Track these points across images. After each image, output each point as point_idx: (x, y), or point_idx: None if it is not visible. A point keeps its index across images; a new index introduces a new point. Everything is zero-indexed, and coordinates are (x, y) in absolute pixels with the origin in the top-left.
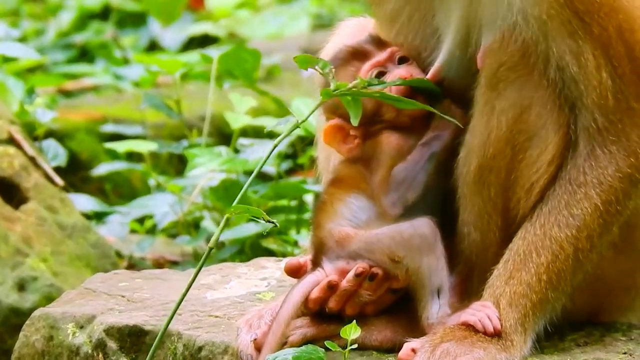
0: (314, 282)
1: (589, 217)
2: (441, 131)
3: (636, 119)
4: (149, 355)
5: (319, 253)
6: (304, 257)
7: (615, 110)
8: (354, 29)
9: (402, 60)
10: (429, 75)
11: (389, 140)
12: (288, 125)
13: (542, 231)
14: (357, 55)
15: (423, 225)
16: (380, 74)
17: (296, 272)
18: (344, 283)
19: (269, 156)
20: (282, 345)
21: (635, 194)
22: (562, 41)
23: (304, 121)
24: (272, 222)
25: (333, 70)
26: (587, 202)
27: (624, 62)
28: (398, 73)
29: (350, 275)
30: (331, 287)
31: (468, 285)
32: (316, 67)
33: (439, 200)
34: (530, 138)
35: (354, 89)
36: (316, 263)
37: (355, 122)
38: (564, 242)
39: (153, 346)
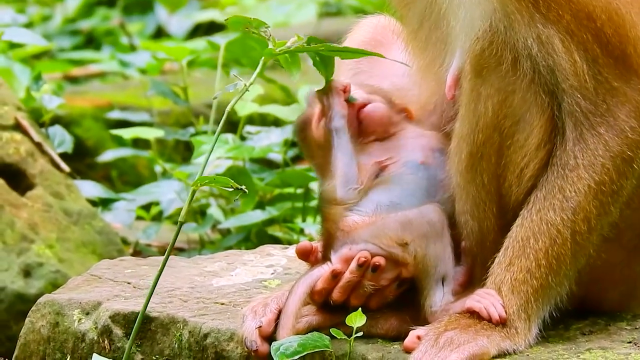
0: (320, 274)
1: (583, 198)
2: (330, 108)
3: (620, 97)
4: (131, 337)
5: (328, 247)
6: (316, 242)
7: (597, 92)
8: (372, 27)
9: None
10: (449, 83)
11: None
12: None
13: (538, 217)
14: None
15: (431, 212)
16: None
17: (307, 255)
18: (347, 274)
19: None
20: None
21: (630, 172)
22: (527, 32)
23: (251, 84)
24: (241, 189)
25: (269, 30)
26: (580, 184)
27: (593, 46)
28: None
29: (353, 265)
30: (335, 276)
31: (473, 274)
32: (248, 28)
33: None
34: (516, 122)
35: (292, 48)
36: (325, 257)
37: (294, 78)
38: (560, 226)
39: (134, 327)
